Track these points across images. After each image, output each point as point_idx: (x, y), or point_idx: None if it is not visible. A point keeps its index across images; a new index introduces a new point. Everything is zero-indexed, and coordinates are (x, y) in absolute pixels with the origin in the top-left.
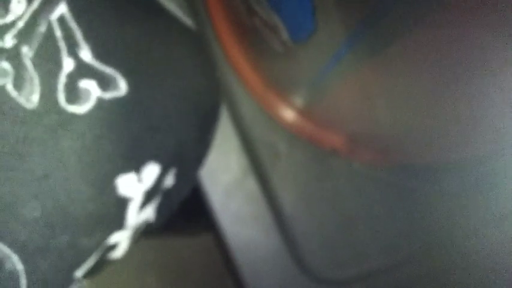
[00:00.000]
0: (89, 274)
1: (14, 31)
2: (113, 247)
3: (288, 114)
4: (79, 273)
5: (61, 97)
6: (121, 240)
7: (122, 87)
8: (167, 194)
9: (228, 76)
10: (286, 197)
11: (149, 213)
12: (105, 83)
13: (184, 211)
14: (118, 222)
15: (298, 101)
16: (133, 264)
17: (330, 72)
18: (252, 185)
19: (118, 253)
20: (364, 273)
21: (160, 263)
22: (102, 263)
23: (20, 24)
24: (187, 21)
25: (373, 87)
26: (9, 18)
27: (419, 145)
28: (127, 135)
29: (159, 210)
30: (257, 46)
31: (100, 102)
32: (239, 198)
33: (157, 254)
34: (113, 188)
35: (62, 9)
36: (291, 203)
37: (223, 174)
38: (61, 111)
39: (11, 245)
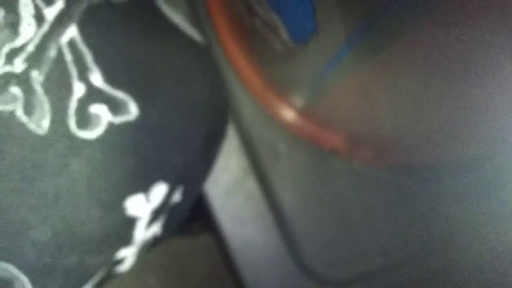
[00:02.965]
0: (96, 287)
1: (24, 55)
2: (119, 262)
3: (288, 114)
4: None
5: (72, 122)
6: (128, 255)
7: (133, 111)
8: (174, 210)
9: (228, 76)
10: (286, 197)
11: (156, 229)
12: (116, 107)
13: None
14: (126, 240)
15: (298, 101)
16: (133, 264)
17: (330, 72)
18: (252, 185)
19: (125, 267)
20: (364, 273)
21: (161, 263)
22: (109, 277)
23: (30, 48)
24: (196, 35)
25: (373, 87)
26: (19, 41)
27: (419, 145)
28: (136, 158)
29: (166, 226)
30: (257, 46)
31: (110, 127)
32: (239, 198)
33: (157, 254)
34: (121, 210)
35: (72, 32)
36: (291, 203)
37: (223, 174)
38: (72, 137)
39: (20, 266)
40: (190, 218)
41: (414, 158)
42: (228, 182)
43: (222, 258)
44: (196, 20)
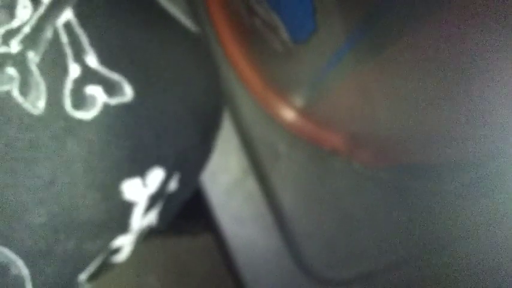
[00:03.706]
0: (92, 277)
1: (20, 36)
2: (116, 251)
3: (288, 114)
4: (83, 276)
5: (67, 103)
6: (125, 244)
7: (128, 93)
8: (170, 199)
9: (228, 76)
10: (286, 197)
11: (152, 217)
12: (111, 89)
13: (184, 211)
14: (122, 227)
15: (298, 101)
16: (134, 264)
17: (330, 72)
18: (252, 185)
19: (121, 256)
20: (364, 273)
21: (161, 263)
22: (106, 266)
23: (26, 29)
24: (191, 25)
25: (374, 87)
26: (15, 23)
27: (419, 145)
28: (133, 141)
29: (162, 215)
30: (257, 46)
31: (106, 108)
32: (239, 198)
33: (157, 254)
34: (118, 193)
35: (68, 15)
36: (291, 203)
37: (223, 174)
38: (67, 117)
39: (16, 251)
40: (190, 217)
41: (414, 158)
42: (228, 182)
43: (222, 258)
44: (196, 20)
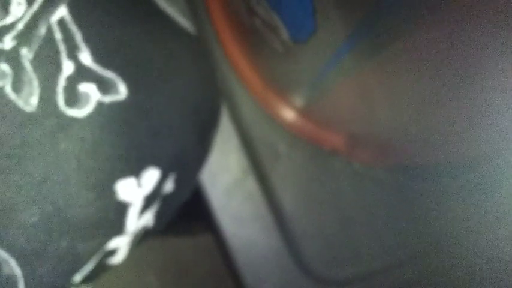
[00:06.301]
0: (88, 279)
1: (13, 33)
2: (112, 252)
3: (288, 114)
4: (77, 277)
5: (60, 100)
6: (120, 245)
7: (122, 91)
8: (166, 200)
9: (228, 76)
10: (286, 197)
11: (148, 218)
12: (105, 86)
13: (184, 211)
14: (117, 228)
15: (298, 100)
16: (134, 264)
17: (330, 72)
18: (252, 185)
19: (117, 258)
20: (364, 273)
21: (160, 263)
22: (101, 268)
23: (20, 26)
24: (187, 25)
25: (373, 87)
26: (8, 19)
27: (419, 145)
28: (127, 140)
29: (158, 216)
30: (257, 46)
31: (100, 106)
32: (239, 198)
33: (157, 254)
34: (112, 193)
35: (62, 11)
36: (291, 203)
37: (223, 174)
38: (60, 115)
39: (9, 250)
40: (190, 218)
41: (414, 158)
42: (228, 182)
43: (222, 258)
44: (196, 20)
